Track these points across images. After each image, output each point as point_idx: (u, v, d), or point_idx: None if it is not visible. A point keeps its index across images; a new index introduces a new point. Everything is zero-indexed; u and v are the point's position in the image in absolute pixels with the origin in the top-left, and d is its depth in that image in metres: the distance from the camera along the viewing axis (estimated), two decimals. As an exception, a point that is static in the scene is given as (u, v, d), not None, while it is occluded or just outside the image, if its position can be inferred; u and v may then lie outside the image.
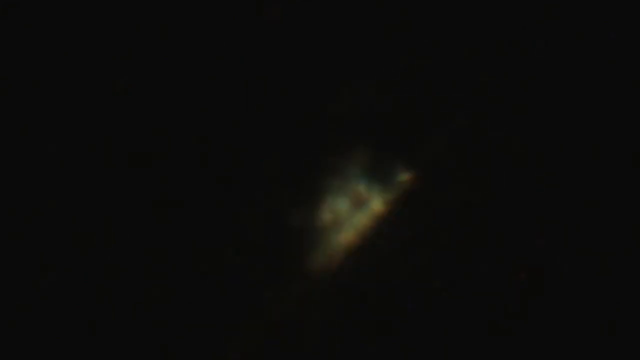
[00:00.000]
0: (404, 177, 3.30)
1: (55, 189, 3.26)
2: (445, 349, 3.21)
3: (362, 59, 3.36)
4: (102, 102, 3.32)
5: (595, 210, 3.28)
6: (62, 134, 3.30)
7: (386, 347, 3.22)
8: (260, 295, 3.22)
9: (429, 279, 3.26)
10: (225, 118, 3.34)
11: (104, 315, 3.19)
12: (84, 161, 3.29)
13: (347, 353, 3.23)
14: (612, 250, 3.25)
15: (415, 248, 3.29)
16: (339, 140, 3.32)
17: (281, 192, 3.29)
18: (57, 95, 3.31)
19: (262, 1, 3.36)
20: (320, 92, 3.36)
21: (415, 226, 3.31)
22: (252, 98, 3.35)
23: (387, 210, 3.30)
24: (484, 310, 3.23)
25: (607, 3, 3.35)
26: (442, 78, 3.35)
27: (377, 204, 3.30)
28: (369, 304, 3.26)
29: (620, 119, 3.33)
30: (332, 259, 3.25)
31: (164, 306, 3.20)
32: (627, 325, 3.20)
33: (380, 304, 3.26)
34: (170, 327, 3.20)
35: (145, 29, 3.35)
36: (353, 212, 3.29)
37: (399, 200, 3.30)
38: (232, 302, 3.21)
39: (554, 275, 3.25)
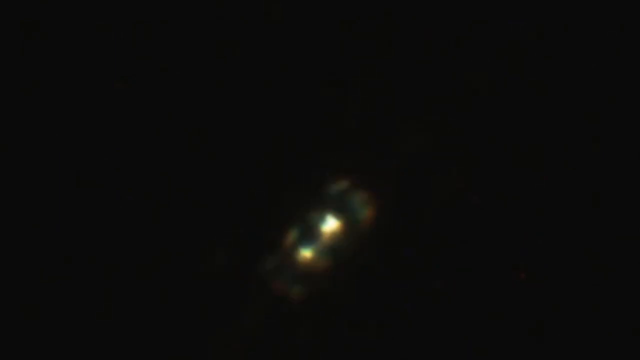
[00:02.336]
0: (394, 174, 3.31)
1: (53, 188, 3.27)
2: (445, 350, 3.21)
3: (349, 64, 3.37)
4: (101, 102, 3.33)
5: (595, 210, 3.28)
6: (61, 134, 3.30)
7: (382, 349, 3.22)
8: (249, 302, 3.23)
9: (428, 280, 3.26)
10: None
11: (97, 316, 3.20)
12: (81, 161, 3.29)
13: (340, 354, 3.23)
14: (612, 250, 3.25)
15: (413, 248, 3.29)
16: (323, 144, 3.33)
17: (263, 202, 3.29)
18: (56, 96, 3.32)
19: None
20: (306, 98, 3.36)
21: (412, 225, 3.31)
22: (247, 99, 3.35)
23: (380, 207, 3.30)
24: (484, 311, 3.23)
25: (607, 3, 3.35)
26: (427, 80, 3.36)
27: (368, 207, 3.31)
28: (365, 306, 3.26)
29: (620, 119, 3.32)
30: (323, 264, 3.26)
31: (152, 309, 3.21)
32: (627, 325, 3.20)
33: (377, 305, 3.26)
34: (157, 332, 3.20)
35: (144, 29, 3.35)
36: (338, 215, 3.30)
37: (392, 196, 3.30)
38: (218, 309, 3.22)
39: (554, 275, 3.25)
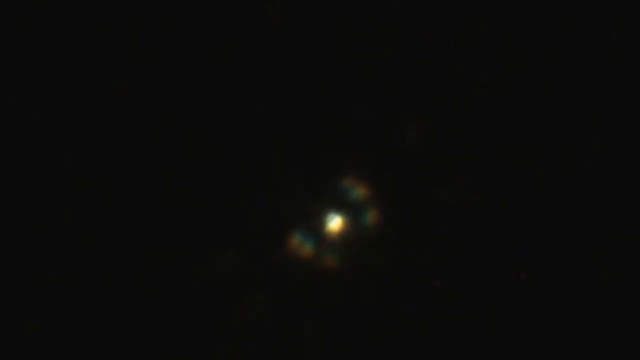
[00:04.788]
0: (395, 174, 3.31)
1: (53, 188, 3.27)
2: (445, 349, 3.21)
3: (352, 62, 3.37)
4: (102, 102, 3.32)
5: (595, 210, 3.28)
6: (62, 134, 3.30)
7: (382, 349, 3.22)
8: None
9: (429, 279, 3.26)
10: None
11: (94, 316, 3.20)
12: (82, 161, 3.29)
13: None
14: (612, 250, 3.25)
15: (414, 248, 3.29)
16: (328, 144, 3.33)
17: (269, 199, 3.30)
18: (57, 96, 3.31)
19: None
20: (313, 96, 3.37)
21: (412, 225, 3.31)
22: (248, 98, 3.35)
23: (382, 210, 3.30)
24: (484, 310, 3.23)
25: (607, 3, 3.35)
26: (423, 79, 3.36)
27: (370, 209, 3.31)
28: (370, 305, 3.26)
29: (620, 119, 3.33)
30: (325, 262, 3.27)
31: (154, 306, 3.21)
32: (627, 324, 3.20)
33: (377, 305, 3.26)
34: (160, 328, 3.21)
35: (144, 29, 3.35)
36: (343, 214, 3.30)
37: (393, 197, 3.30)
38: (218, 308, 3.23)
39: (554, 275, 3.25)
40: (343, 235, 3.29)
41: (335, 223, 3.29)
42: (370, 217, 3.30)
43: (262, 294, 3.22)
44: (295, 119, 3.33)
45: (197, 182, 3.30)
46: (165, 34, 3.34)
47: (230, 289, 3.23)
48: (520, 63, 3.36)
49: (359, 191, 3.31)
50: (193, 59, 3.35)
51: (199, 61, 3.35)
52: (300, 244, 3.26)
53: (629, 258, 3.24)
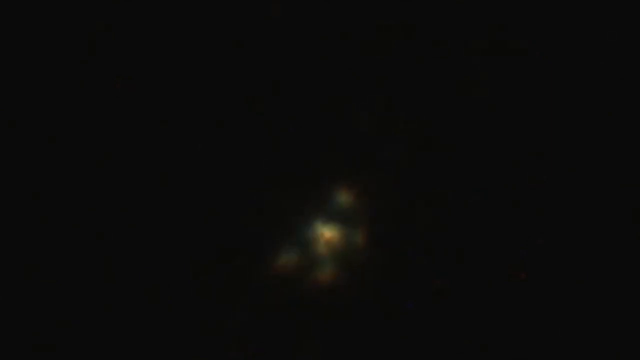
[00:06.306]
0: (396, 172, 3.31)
1: (53, 188, 3.27)
2: (445, 350, 3.22)
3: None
4: (103, 102, 3.32)
5: (595, 210, 3.29)
6: (62, 134, 3.30)
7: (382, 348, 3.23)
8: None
9: (429, 280, 3.26)
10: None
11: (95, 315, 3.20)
12: (83, 161, 3.29)
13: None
14: (612, 250, 3.25)
15: (414, 248, 3.29)
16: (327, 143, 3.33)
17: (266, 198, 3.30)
18: (58, 96, 3.31)
19: None
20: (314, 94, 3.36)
21: (413, 225, 3.31)
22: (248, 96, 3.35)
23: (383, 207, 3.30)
24: (484, 310, 3.24)
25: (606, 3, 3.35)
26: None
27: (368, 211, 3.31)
28: (369, 305, 3.27)
29: (620, 119, 3.33)
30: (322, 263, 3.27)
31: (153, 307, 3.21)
32: (627, 324, 3.20)
33: (378, 304, 3.27)
34: (160, 328, 3.21)
35: (145, 28, 3.34)
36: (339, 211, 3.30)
37: (393, 196, 3.30)
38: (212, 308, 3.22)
39: (554, 275, 3.26)
40: (334, 246, 3.29)
41: (326, 234, 3.30)
42: (364, 223, 3.30)
43: (251, 306, 3.23)
44: (285, 130, 3.33)
45: (185, 194, 3.30)
46: (167, 35, 3.34)
47: (218, 302, 3.23)
48: (519, 63, 3.36)
49: (350, 200, 3.31)
50: (194, 61, 3.35)
51: (200, 63, 3.35)
52: (290, 256, 3.26)
53: (629, 258, 3.24)
